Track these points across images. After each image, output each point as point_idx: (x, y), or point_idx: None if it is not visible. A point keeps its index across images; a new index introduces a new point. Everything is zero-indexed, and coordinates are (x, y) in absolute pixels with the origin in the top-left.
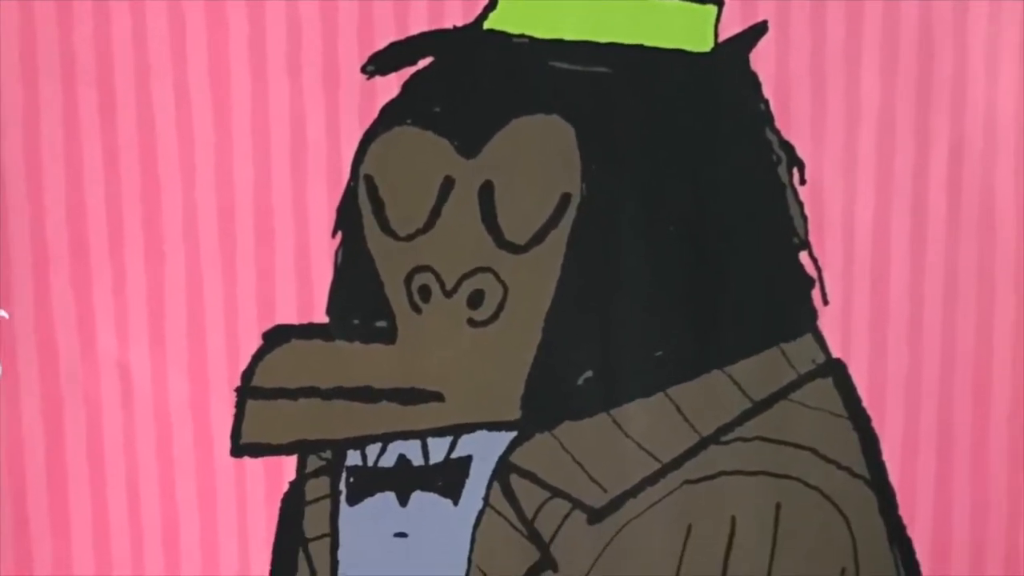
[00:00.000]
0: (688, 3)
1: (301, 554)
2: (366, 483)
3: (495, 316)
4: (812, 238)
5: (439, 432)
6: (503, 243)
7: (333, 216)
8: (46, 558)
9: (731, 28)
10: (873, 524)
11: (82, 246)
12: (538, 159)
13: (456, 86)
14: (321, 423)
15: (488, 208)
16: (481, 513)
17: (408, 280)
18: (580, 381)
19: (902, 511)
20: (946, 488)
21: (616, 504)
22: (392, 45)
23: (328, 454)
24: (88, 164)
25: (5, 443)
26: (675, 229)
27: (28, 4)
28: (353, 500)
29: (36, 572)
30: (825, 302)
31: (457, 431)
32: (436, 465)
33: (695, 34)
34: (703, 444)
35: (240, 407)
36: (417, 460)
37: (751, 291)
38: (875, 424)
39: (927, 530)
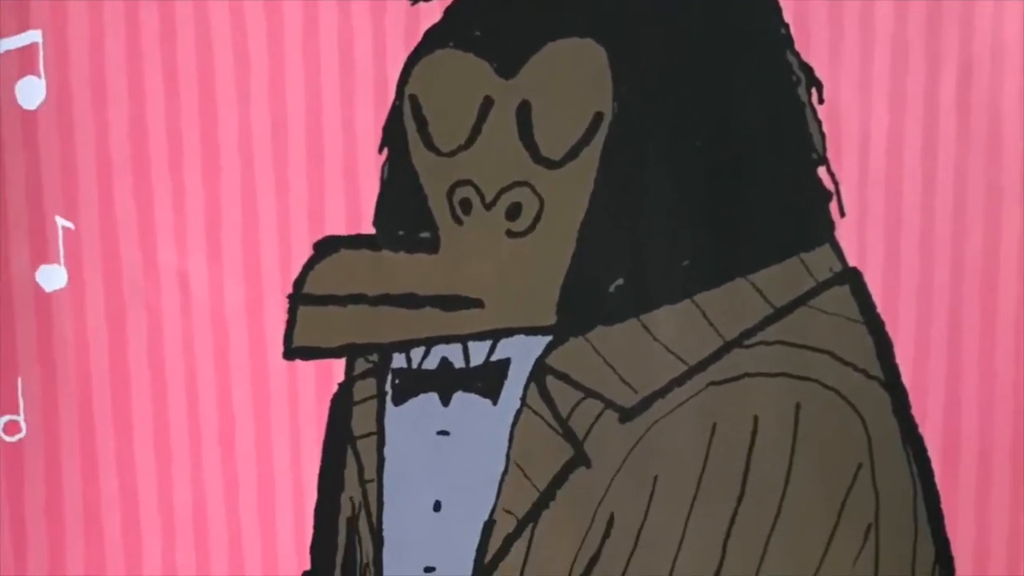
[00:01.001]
0: None
1: (350, 451)
2: (410, 384)
3: (532, 227)
4: (830, 154)
5: (479, 336)
6: (539, 159)
7: (380, 134)
8: (110, 456)
9: None
10: (887, 423)
11: (143, 161)
12: (572, 80)
13: (495, 11)
14: (368, 328)
15: (525, 126)
16: (519, 412)
17: (450, 193)
18: (612, 288)
19: (914, 410)
20: (955, 388)
21: (645, 404)
22: None
23: (375, 357)
24: (149, 83)
25: (72, 349)
26: (701, 146)
27: None
28: (398, 400)
29: (100, 467)
30: (842, 214)
31: (496, 335)
32: (476, 367)
33: None
34: (727, 348)
35: (292, 313)
36: (458, 363)
37: (772, 204)
38: (889, 329)
39: (938, 428)
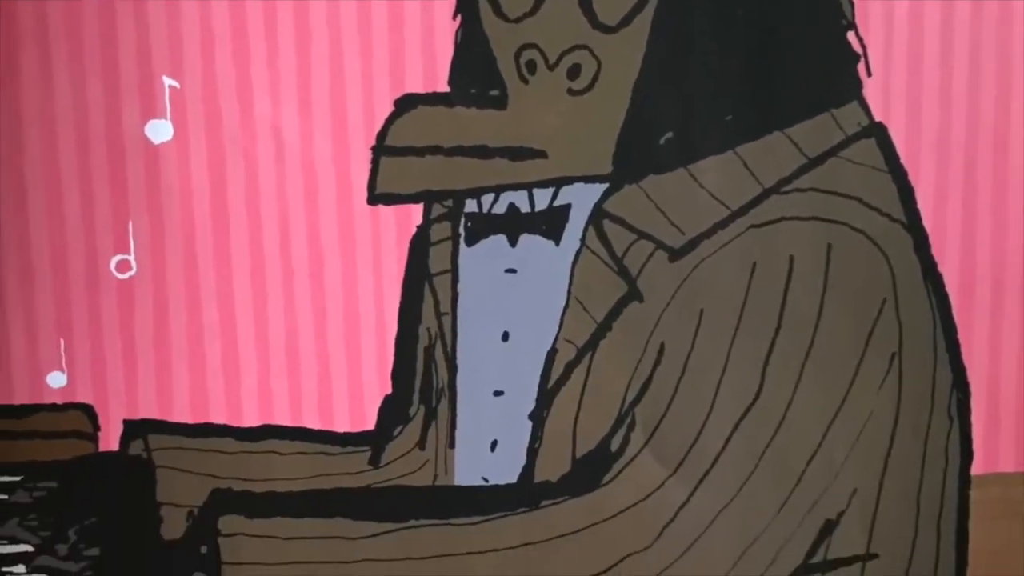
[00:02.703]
0: None
1: (427, 287)
2: (481, 227)
3: (590, 86)
4: (858, 19)
5: (543, 184)
6: (597, 25)
7: (454, 2)
8: (211, 291)
9: None
10: (909, 261)
11: (241, 26)
12: None
13: None
14: (443, 176)
15: None
16: (578, 252)
17: (517, 56)
18: (662, 141)
19: (934, 251)
20: (970, 230)
21: (692, 245)
22: None
23: (449, 202)
24: None
25: (177, 195)
26: (743, 12)
27: None
28: (470, 241)
29: (203, 301)
30: (868, 74)
31: (558, 183)
32: (540, 212)
33: None
34: (766, 194)
35: (375, 163)
36: (524, 208)
37: (806, 65)
38: (911, 177)
39: (955, 266)
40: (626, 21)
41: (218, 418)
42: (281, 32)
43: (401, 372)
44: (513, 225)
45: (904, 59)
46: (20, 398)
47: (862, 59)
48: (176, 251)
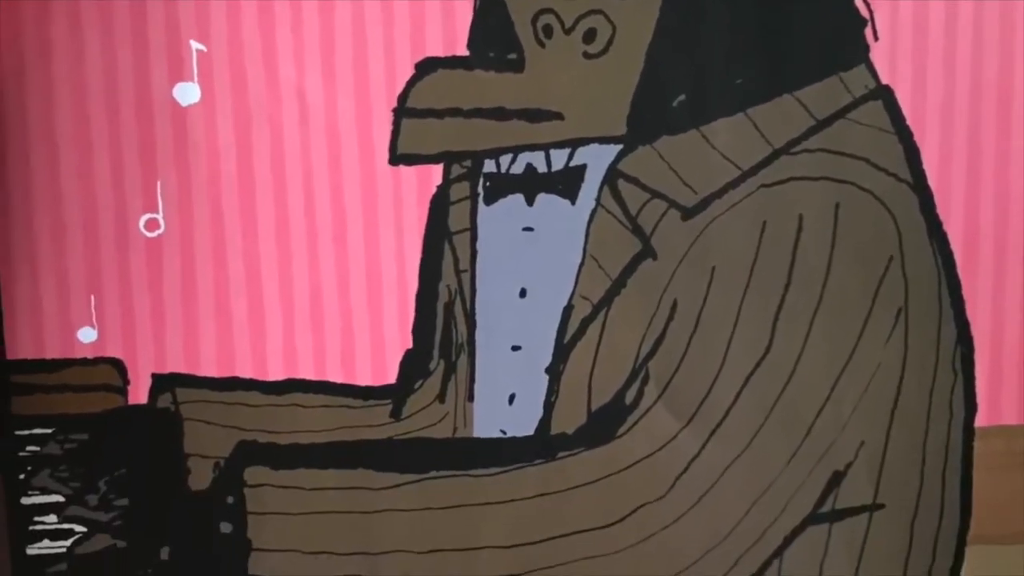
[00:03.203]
0: None
1: (446, 245)
2: (500, 186)
3: (605, 50)
4: None
5: (559, 145)
6: None
7: None
8: (237, 249)
9: None
10: (915, 220)
11: None
12: None
13: None
14: (462, 137)
15: None
16: (594, 211)
17: (534, 20)
18: (675, 103)
19: (939, 209)
20: (974, 189)
21: (704, 204)
22: None
23: (468, 163)
24: None
25: (204, 155)
26: None
27: None
28: (489, 200)
29: (229, 258)
30: (875, 38)
31: (574, 144)
32: (557, 172)
33: None
34: (776, 155)
35: (396, 124)
36: (541, 168)
37: (815, 29)
38: (916, 138)
39: (959, 225)
40: None
41: (244, 372)
42: None
43: (422, 327)
44: (530, 185)
45: (910, 23)
46: (52, 353)
47: (869, 24)
48: (203, 210)
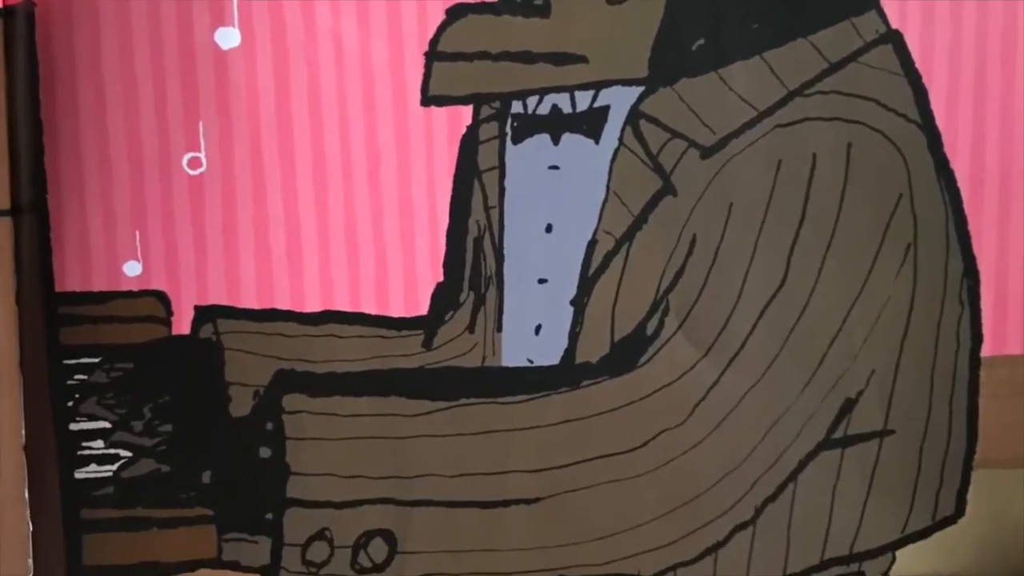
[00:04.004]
0: None
1: (476, 182)
2: (527, 126)
3: None
4: None
5: (584, 87)
6: None
7: None
8: (276, 186)
9: None
10: (923, 159)
11: None
12: None
13: None
14: (491, 79)
15: None
16: (617, 150)
17: None
18: (694, 47)
19: (946, 149)
20: (980, 130)
21: (722, 143)
22: None
23: (497, 104)
24: None
25: (244, 97)
26: None
27: None
28: (516, 140)
29: (268, 195)
30: None
31: (598, 86)
32: (581, 112)
33: None
34: (790, 96)
35: (428, 67)
36: (566, 109)
37: None
38: (925, 81)
39: (965, 163)
40: None
41: (282, 304)
42: None
43: (452, 261)
44: (556, 125)
45: None
46: (99, 286)
47: None
48: (243, 149)
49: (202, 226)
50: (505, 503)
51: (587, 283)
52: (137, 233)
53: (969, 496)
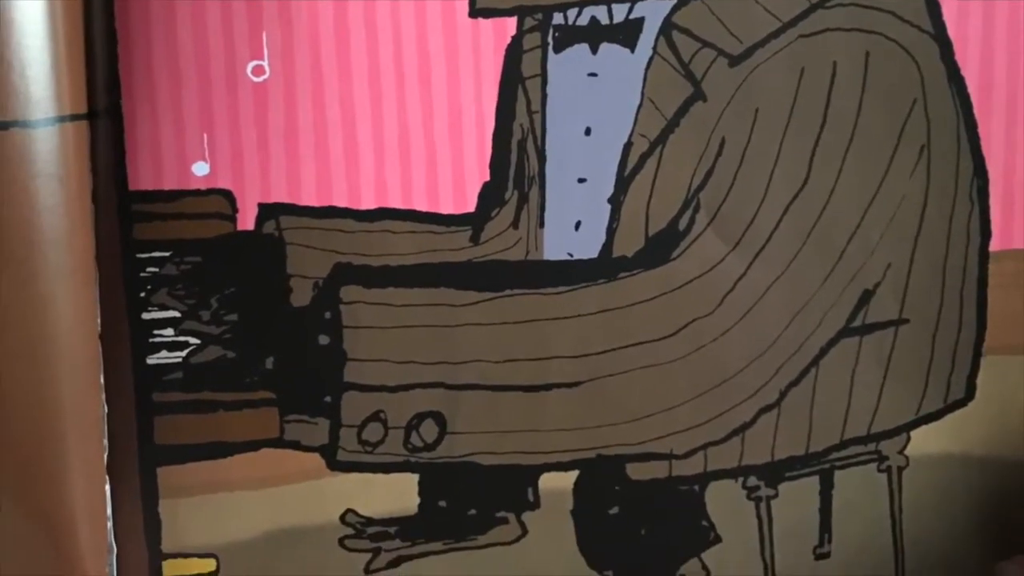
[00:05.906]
0: None
1: (520, 88)
2: (567, 37)
3: None
4: None
5: (620, 0)
6: None
7: None
8: (334, 92)
9: None
10: (936, 66)
11: None
12: None
13: None
14: None
15: None
16: (651, 59)
17: None
18: None
19: (957, 57)
20: (990, 39)
21: (749, 52)
22: None
23: (539, 16)
24: None
25: (304, 9)
26: None
27: None
28: (558, 49)
29: (327, 101)
30: None
31: None
32: (618, 24)
33: None
34: (813, 8)
35: None
36: (604, 20)
37: None
38: None
39: (975, 70)
40: None
41: (340, 201)
42: None
43: (498, 162)
44: (594, 35)
45: None
46: (169, 184)
47: None
48: (304, 57)
49: (265, 129)
50: (547, 387)
51: (623, 182)
52: (205, 136)
53: (979, 380)
